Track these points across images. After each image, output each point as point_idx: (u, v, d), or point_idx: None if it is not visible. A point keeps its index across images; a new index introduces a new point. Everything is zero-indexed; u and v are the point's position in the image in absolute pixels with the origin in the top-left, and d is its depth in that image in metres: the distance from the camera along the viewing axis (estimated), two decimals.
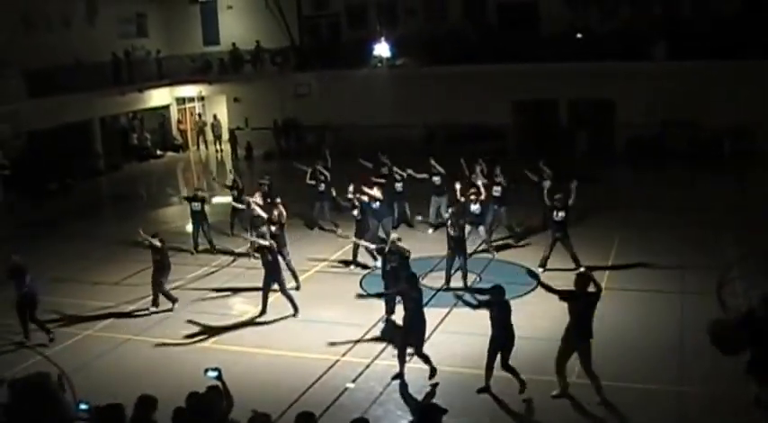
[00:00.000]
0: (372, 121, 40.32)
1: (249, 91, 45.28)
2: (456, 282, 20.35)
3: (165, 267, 20.03)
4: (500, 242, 24.30)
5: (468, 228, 21.35)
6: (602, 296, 18.81)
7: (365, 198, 23.12)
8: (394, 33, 39.59)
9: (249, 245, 23.27)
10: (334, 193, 26.17)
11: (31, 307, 17.96)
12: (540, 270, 21.15)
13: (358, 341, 17.53)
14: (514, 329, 14.54)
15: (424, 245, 23.60)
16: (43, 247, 26.05)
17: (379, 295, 18.64)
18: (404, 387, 15.25)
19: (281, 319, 19.02)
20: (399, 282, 17.14)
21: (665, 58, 34.72)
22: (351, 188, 23.46)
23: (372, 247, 20.76)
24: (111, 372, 16.49)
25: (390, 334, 17.52)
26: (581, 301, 14.03)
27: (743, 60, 32.55)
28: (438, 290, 20.11)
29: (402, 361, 15.47)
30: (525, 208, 25.25)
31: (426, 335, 15.80)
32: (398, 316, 18.21)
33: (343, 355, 16.86)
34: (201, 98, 47.91)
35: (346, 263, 22.98)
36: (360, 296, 20.44)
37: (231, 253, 24.67)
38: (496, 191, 24.05)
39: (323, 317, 19.06)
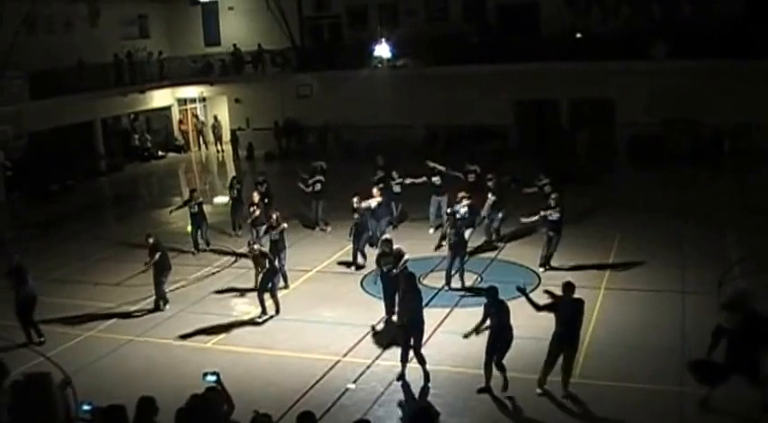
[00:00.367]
0: (373, 121, 40.39)
1: (250, 92, 45.29)
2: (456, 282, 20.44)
3: (165, 268, 20.08)
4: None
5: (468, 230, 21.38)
6: (603, 296, 19.02)
7: (372, 203, 23.25)
8: (395, 34, 39.54)
9: (248, 247, 23.33)
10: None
11: (30, 308, 17.96)
12: (542, 270, 21.28)
13: (359, 342, 17.54)
14: (513, 330, 14.61)
15: (423, 244, 23.70)
16: (44, 248, 26.13)
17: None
18: (406, 388, 15.27)
19: (282, 319, 19.04)
20: (396, 283, 17.23)
21: (664, 57, 34.67)
22: (355, 199, 23.23)
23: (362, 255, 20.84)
24: (113, 372, 16.50)
25: (392, 335, 17.54)
26: (568, 310, 14.14)
27: (742, 59, 32.50)
28: (438, 290, 20.12)
29: (404, 361, 15.50)
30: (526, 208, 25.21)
31: (426, 335, 15.85)
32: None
33: (344, 355, 16.87)
34: (203, 99, 47.90)
35: (347, 264, 22.96)
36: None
37: (233, 253, 24.67)
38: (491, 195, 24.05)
39: (324, 317, 19.09)
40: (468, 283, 20.42)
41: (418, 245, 23.15)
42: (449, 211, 21.36)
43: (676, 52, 34.27)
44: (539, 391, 14.56)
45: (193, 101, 47.97)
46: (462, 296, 19.85)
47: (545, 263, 21.46)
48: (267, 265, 19.20)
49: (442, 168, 25.78)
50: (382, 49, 38.53)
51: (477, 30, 39.84)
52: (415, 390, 15.24)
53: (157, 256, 19.83)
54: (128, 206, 34.97)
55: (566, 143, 37.52)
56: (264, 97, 44.49)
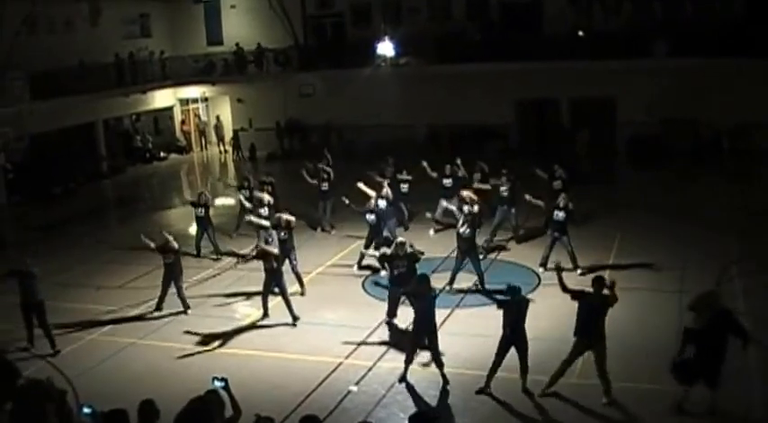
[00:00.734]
0: (375, 121, 40.33)
1: (253, 91, 45.15)
2: (462, 282, 20.47)
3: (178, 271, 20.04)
4: (502, 241, 24.43)
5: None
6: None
7: (382, 202, 23.13)
8: (398, 32, 39.57)
9: (255, 248, 23.30)
10: (347, 201, 24.40)
11: (40, 312, 17.77)
12: (541, 270, 21.32)
13: (361, 344, 17.60)
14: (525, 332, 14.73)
15: (425, 246, 23.68)
16: (47, 251, 25.99)
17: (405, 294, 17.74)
18: (407, 389, 15.36)
19: (284, 322, 19.03)
20: (404, 286, 17.25)
21: (665, 55, 34.77)
22: (374, 195, 23.27)
23: (377, 253, 20.76)
24: (115, 376, 16.50)
25: (396, 338, 17.57)
26: (594, 303, 14.16)
27: (742, 58, 32.55)
28: (440, 290, 20.05)
29: (408, 363, 15.52)
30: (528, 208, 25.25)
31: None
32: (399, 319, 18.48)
33: (347, 357, 16.90)
34: (205, 99, 47.76)
35: (368, 267, 22.70)
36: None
37: (235, 255, 24.60)
38: (504, 191, 24.06)
39: (326, 319, 19.12)
40: (468, 284, 20.47)
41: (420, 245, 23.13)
42: (466, 210, 21.34)
43: (677, 51, 34.33)
44: (540, 392, 14.63)
45: (195, 101, 47.80)
46: (462, 297, 19.92)
47: (544, 263, 21.42)
48: (273, 266, 19.09)
49: (462, 174, 25.86)
50: (385, 48, 38.54)
51: (479, 28, 39.86)
52: (417, 391, 15.29)
53: (173, 258, 19.74)
54: (130, 209, 34.88)
55: (566, 143, 37.47)
56: (267, 97, 44.36)
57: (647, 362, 15.45)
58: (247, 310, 20.08)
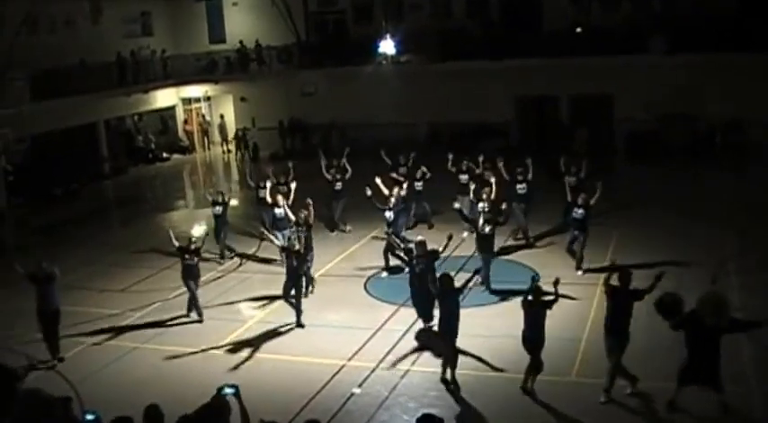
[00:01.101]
0: (377, 119, 40.29)
1: (255, 90, 45.06)
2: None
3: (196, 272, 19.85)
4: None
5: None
6: (600, 294, 18.98)
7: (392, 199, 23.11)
8: (400, 29, 39.55)
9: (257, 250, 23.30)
10: (369, 193, 23.66)
11: (54, 321, 17.47)
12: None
13: (364, 345, 17.61)
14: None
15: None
16: (49, 254, 25.70)
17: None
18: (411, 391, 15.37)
19: (286, 322, 19.00)
20: (425, 284, 17.27)
21: (662, 52, 34.87)
22: (395, 192, 23.27)
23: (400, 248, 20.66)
24: (119, 381, 16.47)
25: (426, 340, 17.52)
26: (620, 299, 14.18)
27: (736, 54, 32.86)
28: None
29: (454, 367, 15.46)
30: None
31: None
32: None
33: (350, 359, 16.91)
34: (207, 98, 47.63)
35: (384, 268, 22.50)
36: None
37: (240, 255, 24.61)
38: (521, 189, 24.01)
39: (329, 321, 19.07)
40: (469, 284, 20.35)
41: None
42: (486, 208, 21.20)
43: (674, 47, 34.47)
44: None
45: (198, 100, 47.64)
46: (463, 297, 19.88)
47: (578, 266, 21.37)
48: (294, 264, 18.95)
49: (478, 170, 25.70)
50: (387, 46, 38.53)
51: (479, 24, 39.85)
52: (418, 392, 15.30)
53: (196, 259, 19.58)
54: (133, 210, 34.73)
55: (565, 140, 37.43)
56: (269, 96, 44.31)
57: (646, 359, 15.35)
58: (251, 313, 20.07)
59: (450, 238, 18.92)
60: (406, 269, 19.42)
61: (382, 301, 20.34)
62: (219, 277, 22.86)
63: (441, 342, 15.87)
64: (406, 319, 18.81)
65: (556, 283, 14.66)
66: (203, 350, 17.87)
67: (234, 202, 29.56)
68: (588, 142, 36.89)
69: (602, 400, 14.25)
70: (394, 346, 17.37)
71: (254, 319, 19.59)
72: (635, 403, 14.29)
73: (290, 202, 23.32)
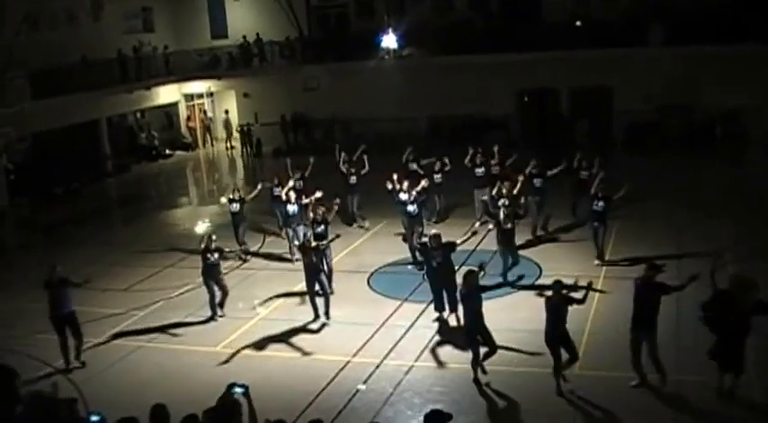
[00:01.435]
0: (379, 114, 40.30)
1: (258, 86, 44.94)
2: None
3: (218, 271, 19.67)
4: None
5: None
6: (602, 285, 19.01)
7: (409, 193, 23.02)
8: (401, 24, 39.53)
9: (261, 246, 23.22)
10: (390, 186, 23.67)
11: (72, 324, 17.14)
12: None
13: (368, 341, 17.61)
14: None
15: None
16: (51, 254, 25.72)
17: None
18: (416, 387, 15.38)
19: (291, 320, 19.02)
20: (447, 277, 17.54)
21: (660, 43, 35.08)
22: (422, 183, 23.21)
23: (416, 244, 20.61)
24: (124, 381, 16.44)
25: (447, 334, 17.52)
26: (642, 291, 14.15)
27: (733, 45, 32.98)
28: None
29: (476, 364, 15.35)
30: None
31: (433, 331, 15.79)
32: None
33: (354, 355, 16.92)
34: (210, 94, 47.58)
35: (412, 262, 22.39)
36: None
37: (245, 253, 24.41)
38: (537, 182, 23.89)
39: (332, 317, 18.95)
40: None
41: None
42: (506, 202, 21.29)
43: (672, 39, 34.70)
44: (633, 383, 14.53)
45: (201, 96, 47.57)
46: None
47: (600, 255, 21.39)
48: (313, 260, 18.88)
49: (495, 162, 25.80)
50: (389, 40, 38.53)
51: (481, 17, 39.91)
52: (422, 388, 15.32)
53: (217, 256, 19.40)
54: (136, 208, 34.66)
55: (565, 132, 37.77)
56: (272, 91, 44.20)
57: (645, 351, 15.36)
58: (255, 310, 20.03)
59: (474, 232, 19.23)
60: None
61: (386, 296, 20.35)
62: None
63: (467, 341, 15.74)
64: (410, 315, 18.86)
65: (589, 284, 14.78)
66: (207, 348, 17.84)
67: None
68: (589, 134, 37.02)
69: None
70: (398, 342, 17.37)
71: (258, 316, 19.57)
72: (635, 393, 14.35)
73: (306, 199, 22.99)
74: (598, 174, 22.68)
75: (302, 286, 20.41)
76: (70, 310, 17.17)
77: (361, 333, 17.99)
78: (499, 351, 15.12)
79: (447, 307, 18.35)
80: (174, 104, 46.87)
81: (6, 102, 31.94)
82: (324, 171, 27.17)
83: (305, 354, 17.25)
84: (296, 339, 18.00)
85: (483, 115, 39.39)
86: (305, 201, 22.58)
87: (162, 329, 19.15)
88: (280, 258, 23.97)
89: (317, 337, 18.05)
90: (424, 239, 19.67)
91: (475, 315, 15.09)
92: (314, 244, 19.08)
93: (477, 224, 22.94)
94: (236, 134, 46.10)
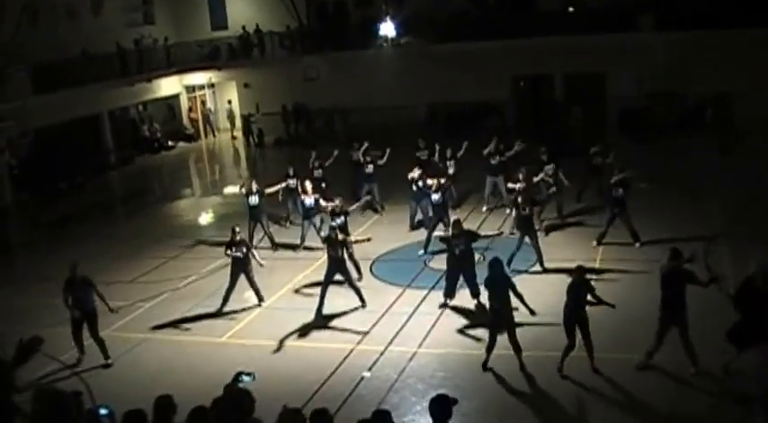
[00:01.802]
0: (378, 102, 40.38)
1: (259, 76, 45.03)
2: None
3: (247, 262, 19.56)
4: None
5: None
6: (598, 270, 19.02)
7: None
8: (399, 12, 39.56)
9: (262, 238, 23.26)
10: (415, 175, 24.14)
11: (91, 322, 17.10)
12: (594, 244, 21.49)
13: (371, 328, 17.75)
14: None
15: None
16: (56, 248, 25.96)
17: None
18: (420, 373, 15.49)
19: (295, 309, 19.16)
20: (469, 264, 17.68)
21: (651, 29, 35.33)
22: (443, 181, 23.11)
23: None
24: (130, 373, 16.55)
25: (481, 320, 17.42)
26: (669, 278, 14.18)
27: (723, 29, 33.19)
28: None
29: (491, 349, 15.41)
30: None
31: (435, 317, 15.86)
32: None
33: (358, 343, 17.03)
34: (211, 85, 47.64)
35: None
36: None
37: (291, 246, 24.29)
38: (549, 170, 23.88)
39: (336, 305, 19.02)
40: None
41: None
42: (518, 188, 21.41)
43: (662, 24, 34.98)
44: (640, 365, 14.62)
45: (202, 87, 47.65)
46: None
47: (636, 238, 21.42)
48: (339, 254, 18.89)
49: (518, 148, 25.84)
50: (387, 28, 38.58)
51: (476, 5, 40.06)
52: (426, 373, 15.45)
53: (245, 250, 19.40)
54: (139, 201, 34.69)
55: (560, 118, 37.99)
56: (272, 81, 44.29)
57: (644, 334, 15.18)
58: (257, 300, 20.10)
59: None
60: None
61: (388, 283, 20.50)
62: (227, 266, 22.51)
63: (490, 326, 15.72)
64: (413, 302, 19.00)
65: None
66: (213, 338, 18.00)
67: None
68: (582, 119, 37.33)
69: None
70: (401, 329, 17.49)
71: (262, 306, 19.64)
72: (636, 375, 14.49)
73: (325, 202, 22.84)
74: (610, 161, 22.88)
75: (305, 275, 20.68)
76: (91, 308, 17.10)
77: (364, 320, 18.12)
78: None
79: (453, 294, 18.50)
80: (176, 96, 46.89)
81: (8, 97, 31.86)
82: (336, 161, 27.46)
83: (309, 342, 17.38)
84: (300, 328, 18.07)
85: (480, 102, 39.37)
86: (323, 204, 22.49)
87: (168, 321, 19.25)
88: (283, 247, 24.04)
89: (322, 326, 18.14)
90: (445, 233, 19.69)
91: (503, 303, 15.09)
92: (341, 237, 19.17)
93: (507, 231, 22.79)
94: (239, 124, 46.14)
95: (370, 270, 21.57)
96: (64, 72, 35.52)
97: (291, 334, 17.86)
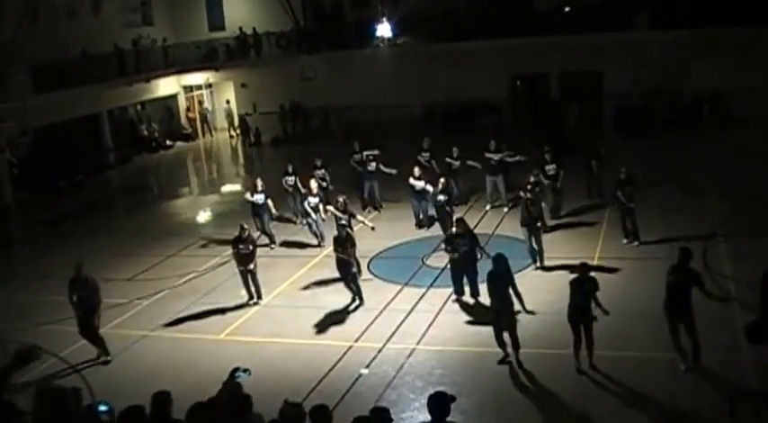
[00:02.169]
0: (375, 101, 40.49)
1: (256, 76, 45.21)
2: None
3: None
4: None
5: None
6: (597, 265, 19.02)
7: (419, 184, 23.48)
8: (395, 12, 39.62)
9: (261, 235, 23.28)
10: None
11: (89, 319, 17.11)
12: (625, 241, 21.37)
13: (369, 326, 17.75)
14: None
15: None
16: (56, 246, 26.14)
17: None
18: (417, 370, 15.49)
19: (293, 306, 19.22)
20: (471, 263, 17.67)
21: (647, 27, 35.44)
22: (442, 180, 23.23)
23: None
24: (129, 370, 16.55)
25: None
26: (681, 276, 14.13)
27: (720, 27, 33.22)
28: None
29: (502, 345, 15.36)
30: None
31: (432, 315, 15.90)
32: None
33: (356, 340, 17.03)
34: (209, 85, 47.79)
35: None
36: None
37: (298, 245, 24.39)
38: (551, 170, 23.95)
39: (334, 302, 19.12)
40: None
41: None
42: (531, 181, 21.46)
43: (658, 23, 35.14)
44: (683, 367, 14.36)
45: (199, 87, 47.79)
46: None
47: (636, 236, 21.37)
48: (348, 251, 18.98)
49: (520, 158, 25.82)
50: (384, 29, 38.67)
51: (472, 4, 40.18)
52: (424, 371, 15.42)
53: (251, 247, 19.44)
54: (138, 199, 34.84)
55: (556, 116, 38.04)
56: (270, 81, 44.51)
57: (643, 329, 15.53)
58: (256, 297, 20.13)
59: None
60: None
61: (386, 280, 20.51)
62: (225, 262, 22.65)
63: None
64: (410, 299, 19.00)
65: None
66: (211, 336, 18.01)
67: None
68: (579, 117, 37.46)
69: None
70: (399, 326, 17.50)
71: (260, 303, 19.64)
72: (633, 372, 14.46)
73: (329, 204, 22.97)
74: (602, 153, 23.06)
75: (303, 272, 20.68)
76: (92, 305, 17.15)
77: (362, 318, 18.15)
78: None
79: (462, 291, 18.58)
80: (174, 96, 47.04)
81: (8, 97, 31.94)
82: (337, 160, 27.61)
83: (307, 339, 17.38)
84: (298, 325, 18.11)
85: (476, 100, 39.48)
86: (329, 208, 22.42)
87: (166, 318, 19.28)
88: (281, 245, 24.18)
89: (320, 323, 18.13)
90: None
91: (502, 301, 15.11)
92: (351, 236, 19.28)
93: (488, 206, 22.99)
94: (236, 123, 46.28)
95: (368, 267, 21.55)
96: (64, 72, 35.59)
97: (289, 331, 17.88)
